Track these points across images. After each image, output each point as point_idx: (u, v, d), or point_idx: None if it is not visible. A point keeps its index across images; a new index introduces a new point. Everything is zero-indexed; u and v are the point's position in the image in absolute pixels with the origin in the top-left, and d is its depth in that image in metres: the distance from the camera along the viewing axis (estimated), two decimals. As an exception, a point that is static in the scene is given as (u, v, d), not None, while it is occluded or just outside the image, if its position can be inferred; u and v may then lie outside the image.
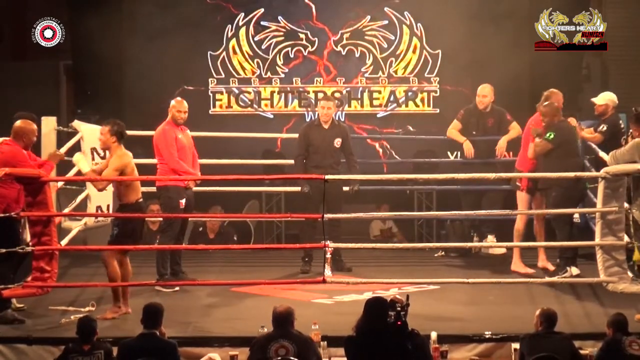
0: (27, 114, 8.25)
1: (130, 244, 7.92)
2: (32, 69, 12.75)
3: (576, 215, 9.67)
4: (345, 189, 9.63)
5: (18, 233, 7.74)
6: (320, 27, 12.49)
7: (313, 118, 12.25)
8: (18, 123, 7.88)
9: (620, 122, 9.50)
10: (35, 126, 7.97)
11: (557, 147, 8.77)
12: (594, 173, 8.27)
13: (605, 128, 9.22)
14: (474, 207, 9.50)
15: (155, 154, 8.90)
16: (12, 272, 7.65)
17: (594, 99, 9.51)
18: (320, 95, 12.38)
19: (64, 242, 9.19)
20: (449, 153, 11.81)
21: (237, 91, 12.48)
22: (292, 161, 10.13)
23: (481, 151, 10.02)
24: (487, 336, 7.12)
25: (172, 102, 8.97)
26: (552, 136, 8.76)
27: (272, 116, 12.47)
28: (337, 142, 9.49)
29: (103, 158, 9.75)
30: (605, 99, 9.44)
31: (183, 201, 8.76)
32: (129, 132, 10.44)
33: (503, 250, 9.99)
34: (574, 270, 8.75)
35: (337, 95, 12.37)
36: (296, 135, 9.80)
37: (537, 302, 7.45)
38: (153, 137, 8.89)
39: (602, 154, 8.54)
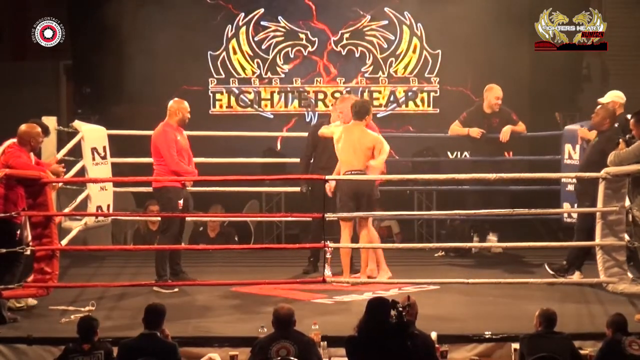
0: (38, 121, 8.30)
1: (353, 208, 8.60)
2: (32, 69, 12.75)
3: (566, 215, 9.69)
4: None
5: (15, 235, 7.73)
6: (320, 27, 12.49)
7: (313, 118, 12.28)
8: (23, 127, 7.88)
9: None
10: (39, 129, 7.96)
11: (601, 154, 8.68)
12: (594, 174, 8.24)
13: (616, 125, 9.16)
14: (479, 207, 9.48)
15: (152, 154, 8.83)
16: (9, 273, 7.65)
17: (600, 99, 9.42)
18: (321, 95, 12.41)
19: (64, 242, 9.19)
20: (448, 153, 11.83)
21: (237, 91, 12.49)
22: (292, 160, 10.16)
23: (487, 151, 10.02)
24: (487, 336, 7.12)
25: (173, 104, 8.78)
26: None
27: (272, 116, 12.47)
28: None
29: (104, 158, 9.76)
30: (612, 96, 9.32)
31: (181, 201, 8.74)
32: (127, 132, 10.53)
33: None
34: (578, 275, 8.75)
35: (337, 95, 12.37)
36: (296, 134, 9.79)
37: (537, 302, 7.45)
38: (152, 138, 8.84)
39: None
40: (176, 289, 8.54)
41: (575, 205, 9.11)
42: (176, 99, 8.95)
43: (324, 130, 9.00)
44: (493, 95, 10.01)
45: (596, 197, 8.35)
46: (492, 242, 10.06)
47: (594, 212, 8.35)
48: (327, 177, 8.50)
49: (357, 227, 8.92)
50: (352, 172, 8.70)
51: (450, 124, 10.37)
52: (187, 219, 9.55)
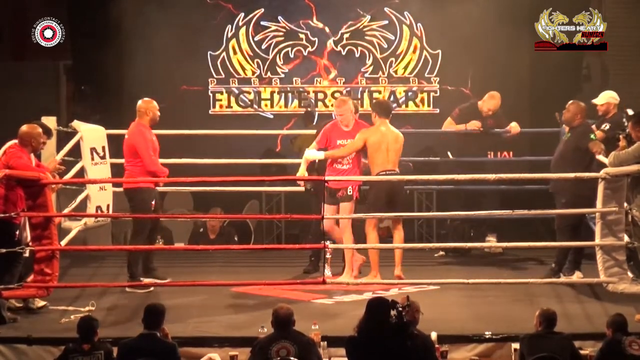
0: (40, 122, 8.32)
1: (384, 209, 8.66)
2: (32, 69, 12.75)
3: None
4: None
5: (14, 235, 7.73)
6: (320, 27, 12.49)
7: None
8: (24, 128, 7.89)
9: (624, 120, 9.49)
10: (40, 130, 7.96)
11: (574, 150, 8.75)
12: (593, 174, 8.24)
13: (608, 127, 9.20)
14: (471, 207, 9.51)
15: (125, 154, 8.83)
16: (9, 273, 7.65)
17: (594, 100, 9.48)
18: (321, 95, 12.41)
19: (64, 242, 9.18)
20: (449, 153, 11.81)
21: (237, 91, 12.49)
22: (292, 160, 10.14)
23: (473, 150, 10.09)
24: (487, 336, 7.12)
25: (142, 104, 8.81)
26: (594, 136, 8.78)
27: (272, 116, 12.48)
28: None
29: (103, 158, 9.75)
30: (606, 97, 9.42)
31: (153, 202, 8.79)
32: (126, 132, 10.52)
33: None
34: (578, 275, 8.76)
35: (337, 95, 12.37)
36: (296, 133, 9.78)
37: (537, 302, 7.45)
38: (127, 139, 8.83)
39: (601, 157, 8.51)
40: (151, 288, 8.53)
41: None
42: (145, 98, 8.95)
43: (312, 154, 8.89)
44: (494, 104, 10.11)
45: (572, 194, 8.46)
46: (491, 242, 10.08)
47: (592, 212, 8.37)
48: (326, 177, 8.50)
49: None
50: (387, 173, 8.77)
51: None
52: (187, 219, 9.56)
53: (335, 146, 8.97)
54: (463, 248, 9.78)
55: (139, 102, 8.90)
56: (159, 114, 8.86)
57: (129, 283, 8.55)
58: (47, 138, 8.27)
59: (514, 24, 11.64)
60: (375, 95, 12.47)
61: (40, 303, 7.95)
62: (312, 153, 8.84)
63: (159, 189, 9.19)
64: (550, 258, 9.22)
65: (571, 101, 9.05)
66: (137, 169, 8.69)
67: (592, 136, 8.76)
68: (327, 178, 8.48)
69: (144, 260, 8.84)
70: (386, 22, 12.48)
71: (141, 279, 8.69)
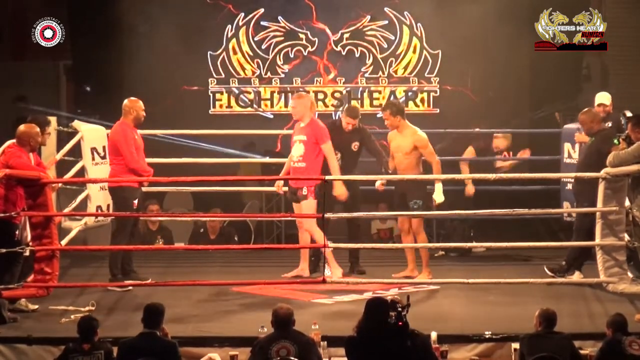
0: (39, 117, 8.32)
1: None
2: (32, 69, 12.75)
3: (565, 215, 9.70)
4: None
5: (14, 235, 7.73)
6: (320, 27, 12.49)
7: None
8: (21, 128, 7.90)
9: (622, 119, 9.50)
10: (38, 129, 7.97)
11: (597, 154, 8.72)
12: (593, 174, 8.24)
13: (610, 124, 9.20)
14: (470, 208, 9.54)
15: (109, 153, 8.93)
16: (9, 273, 7.65)
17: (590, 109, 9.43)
18: (321, 95, 12.40)
19: (64, 242, 9.19)
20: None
21: (237, 91, 12.49)
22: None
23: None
24: (487, 336, 7.11)
25: (128, 103, 8.85)
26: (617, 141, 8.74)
27: (272, 116, 12.47)
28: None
29: (103, 158, 9.76)
30: (600, 99, 9.42)
31: (136, 201, 8.80)
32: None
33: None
34: (578, 275, 8.76)
35: (337, 95, 12.37)
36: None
37: (537, 302, 7.44)
38: (109, 136, 8.93)
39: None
40: (130, 288, 8.53)
41: (574, 204, 9.13)
42: (131, 98, 8.99)
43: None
44: (507, 144, 10.67)
45: (594, 197, 8.37)
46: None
47: (593, 212, 8.36)
48: (327, 177, 8.50)
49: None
50: None
51: (450, 124, 10.48)
52: (187, 219, 9.56)
53: (291, 143, 9.01)
54: (463, 248, 9.79)
55: (125, 101, 8.93)
56: (143, 114, 8.89)
57: (129, 283, 8.56)
58: (46, 128, 8.32)
59: (514, 24, 11.64)
60: (375, 95, 12.46)
61: (32, 306, 7.94)
62: (439, 197, 8.98)
63: (145, 189, 9.20)
64: (550, 258, 9.22)
65: (582, 112, 9.00)
66: (119, 167, 8.74)
67: (615, 141, 8.69)
68: (327, 178, 8.47)
69: (122, 262, 8.83)
70: (386, 22, 12.47)
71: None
